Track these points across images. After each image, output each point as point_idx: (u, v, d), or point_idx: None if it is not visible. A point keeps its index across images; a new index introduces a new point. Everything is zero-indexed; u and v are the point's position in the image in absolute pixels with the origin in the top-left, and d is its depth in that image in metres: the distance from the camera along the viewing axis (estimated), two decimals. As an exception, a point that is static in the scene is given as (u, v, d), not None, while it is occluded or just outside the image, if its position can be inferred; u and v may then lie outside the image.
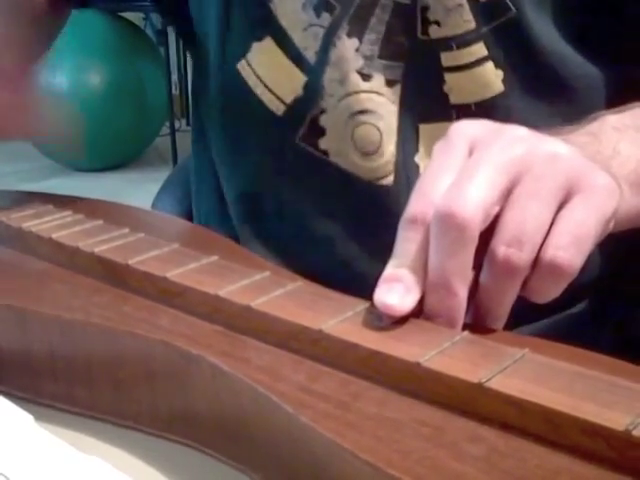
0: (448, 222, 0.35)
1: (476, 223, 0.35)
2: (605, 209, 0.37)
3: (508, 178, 0.37)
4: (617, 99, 0.53)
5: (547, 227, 0.36)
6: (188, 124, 3.98)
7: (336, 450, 0.30)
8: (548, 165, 0.37)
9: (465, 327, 0.37)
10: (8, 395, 0.39)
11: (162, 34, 3.41)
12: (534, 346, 0.35)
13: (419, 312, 0.37)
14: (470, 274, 0.37)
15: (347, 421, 0.32)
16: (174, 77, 3.57)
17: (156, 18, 3.73)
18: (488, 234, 0.37)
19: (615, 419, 0.29)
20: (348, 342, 0.35)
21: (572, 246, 0.36)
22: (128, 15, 3.35)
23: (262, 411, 0.34)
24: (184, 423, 0.38)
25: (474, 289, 0.38)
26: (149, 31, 3.73)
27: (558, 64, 0.53)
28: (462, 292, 0.36)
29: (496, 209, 0.36)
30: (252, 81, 0.59)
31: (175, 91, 3.37)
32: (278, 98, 0.58)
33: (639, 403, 0.30)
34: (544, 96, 0.54)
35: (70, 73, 3.04)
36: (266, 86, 0.58)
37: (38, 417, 0.36)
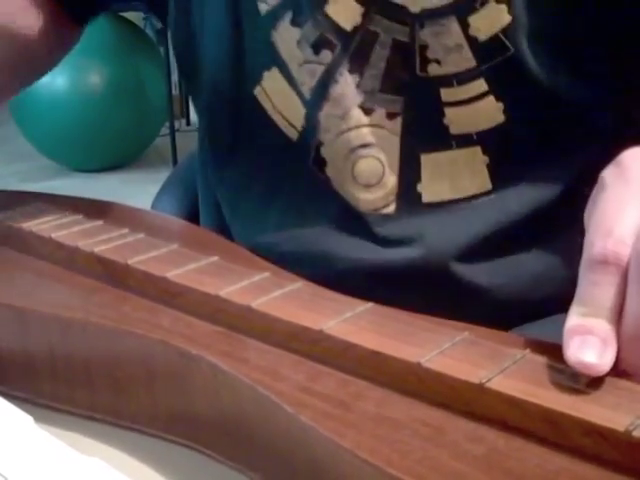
0: None
1: None
2: None
3: None
4: (620, 123, 0.54)
5: None
6: (188, 124, 3.99)
7: (336, 450, 0.30)
8: None
9: (465, 327, 0.37)
10: (8, 396, 0.39)
11: (162, 34, 3.41)
12: (534, 347, 0.35)
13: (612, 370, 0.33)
14: None
15: (347, 421, 0.32)
16: (174, 77, 3.56)
17: (156, 18, 3.73)
18: None
19: (616, 420, 0.29)
20: (348, 342, 0.35)
21: None
22: (128, 15, 3.35)
23: (262, 411, 0.34)
24: (184, 423, 0.38)
25: None
26: (149, 31, 3.73)
27: (559, 94, 0.53)
28: None
29: None
30: (268, 106, 0.59)
31: (175, 91, 3.37)
32: (291, 125, 0.58)
33: (639, 404, 0.30)
34: (547, 124, 0.54)
35: (70, 73, 3.04)
36: (280, 113, 0.59)
37: (37, 418, 0.36)
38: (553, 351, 0.35)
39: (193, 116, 3.98)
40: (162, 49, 3.32)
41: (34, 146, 3.27)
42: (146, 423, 0.40)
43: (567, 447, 0.29)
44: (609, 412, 0.30)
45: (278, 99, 0.58)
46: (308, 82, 0.56)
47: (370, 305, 0.39)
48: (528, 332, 0.53)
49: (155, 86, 3.25)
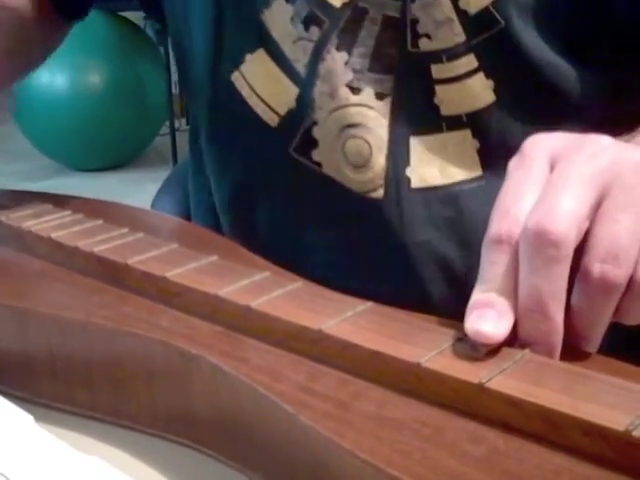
0: (541, 240, 0.33)
1: (571, 239, 0.34)
2: None
3: (597, 191, 0.35)
4: (611, 104, 0.53)
5: None
6: (188, 124, 3.98)
7: (336, 450, 0.30)
8: (637, 174, 0.35)
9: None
10: (8, 395, 0.39)
11: (162, 34, 3.40)
12: (534, 346, 0.35)
13: (513, 340, 0.35)
14: (565, 295, 0.34)
15: (347, 421, 0.31)
16: (174, 77, 3.56)
17: (154, 18, 3.73)
18: (577, 252, 0.34)
19: (615, 419, 0.29)
20: (348, 342, 0.35)
21: None
22: (128, 15, 3.35)
23: (262, 411, 0.34)
24: (184, 423, 0.38)
25: (565, 312, 0.35)
26: (149, 31, 3.73)
27: (549, 72, 0.53)
28: (559, 316, 0.34)
29: (587, 224, 0.35)
30: (246, 92, 0.59)
31: (175, 91, 3.36)
32: (272, 110, 0.58)
33: (639, 404, 0.30)
34: (537, 104, 0.54)
35: (70, 73, 3.04)
36: (260, 97, 0.58)
37: (38, 417, 0.36)
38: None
39: (193, 116, 3.97)
40: (162, 49, 3.32)
41: (34, 145, 3.27)
42: (146, 423, 0.40)
43: (567, 447, 0.29)
44: (609, 412, 0.30)
45: (260, 83, 0.58)
46: (302, 58, 0.56)
47: (370, 304, 0.39)
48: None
49: (155, 86, 3.25)
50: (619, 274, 0.34)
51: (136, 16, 3.41)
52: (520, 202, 0.35)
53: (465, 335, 0.35)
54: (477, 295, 0.35)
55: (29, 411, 0.36)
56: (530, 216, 0.34)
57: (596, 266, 0.34)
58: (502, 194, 0.37)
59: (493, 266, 0.35)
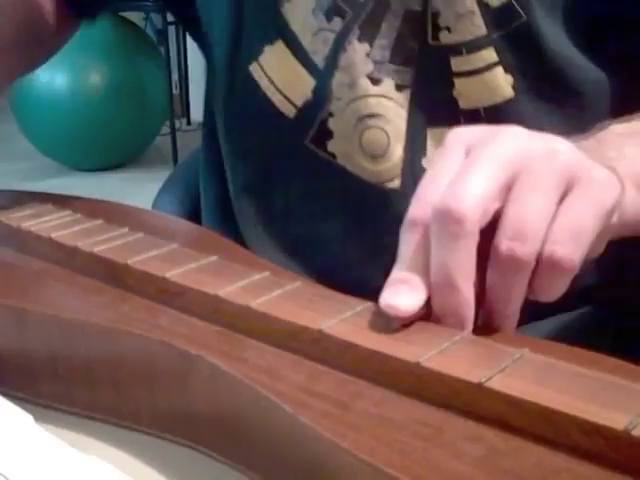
0: (446, 218, 0.35)
1: (474, 216, 0.35)
2: (604, 202, 0.37)
3: (506, 174, 0.36)
4: (628, 104, 0.53)
5: (549, 220, 0.36)
6: (188, 124, 3.98)
7: (335, 450, 0.30)
8: (545, 160, 0.37)
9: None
10: (8, 395, 0.39)
11: (162, 34, 3.41)
12: (533, 346, 0.35)
13: (429, 316, 0.37)
14: (473, 269, 0.36)
15: (346, 421, 0.31)
16: (174, 77, 3.56)
17: (156, 18, 3.73)
18: (492, 234, 0.36)
19: (615, 419, 0.29)
20: (348, 342, 0.35)
21: (570, 241, 0.36)
22: (128, 15, 3.35)
23: (261, 411, 0.34)
24: (183, 423, 0.38)
25: (483, 292, 0.37)
26: (149, 31, 3.73)
27: (568, 70, 0.53)
28: (466, 288, 0.36)
29: (496, 205, 0.36)
30: (264, 83, 0.59)
31: (175, 91, 3.37)
32: (289, 101, 0.58)
33: (638, 403, 0.30)
34: (554, 101, 0.54)
35: (70, 73, 3.04)
36: (277, 89, 0.59)
37: (38, 417, 0.36)
38: (553, 350, 0.35)
39: (193, 115, 3.98)
40: (162, 49, 3.32)
41: (34, 145, 3.27)
42: (146, 423, 0.40)
43: (566, 446, 0.29)
44: (608, 411, 0.30)
45: (279, 74, 0.58)
46: (322, 50, 0.56)
47: (370, 304, 0.39)
48: (527, 332, 0.53)
49: (155, 86, 3.25)
50: (526, 251, 0.35)
51: (136, 16, 3.42)
52: (435, 187, 0.37)
53: (381, 309, 0.37)
54: (393, 273, 0.37)
55: (29, 411, 0.36)
56: (438, 197, 0.36)
57: (504, 243, 0.35)
58: (422, 181, 0.39)
59: (407, 246, 0.37)
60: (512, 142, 0.38)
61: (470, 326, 0.37)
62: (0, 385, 0.43)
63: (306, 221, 0.61)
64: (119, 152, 3.31)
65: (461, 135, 0.39)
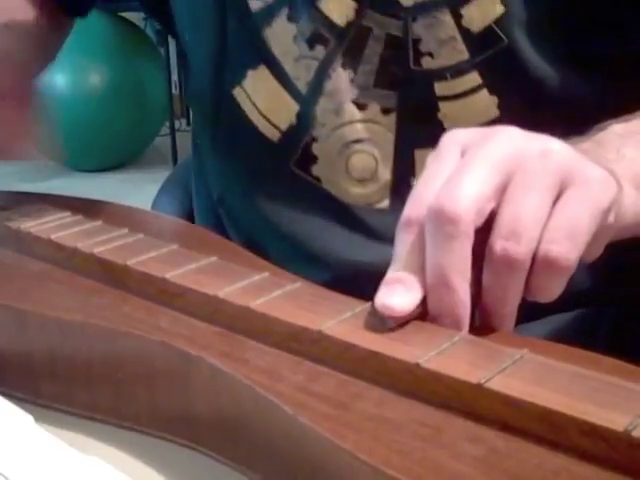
0: (440, 217, 0.35)
1: (469, 215, 0.35)
2: (599, 201, 0.37)
3: (501, 174, 0.36)
4: (614, 117, 0.53)
5: (544, 220, 0.36)
6: (188, 124, 3.98)
7: (335, 451, 0.30)
8: (540, 160, 0.37)
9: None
10: (8, 395, 0.39)
11: (162, 34, 3.40)
12: (533, 346, 0.35)
13: (425, 316, 0.37)
14: (468, 270, 0.36)
15: (346, 422, 0.32)
16: (174, 77, 3.56)
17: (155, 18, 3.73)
18: (488, 235, 0.36)
19: (614, 420, 0.29)
20: (347, 343, 0.35)
21: (566, 240, 0.36)
22: (128, 15, 3.35)
23: (261, 412, 0.34)
24: (183, 423, 0.38)
25: (479, 292, 0.37)
26: (149, 31, 3.73)
27: (552, 88, 0.53)
28: (462, 288, 0.36)
29: (491, 205, 0.36)
30: (247, 107, 0.59)
31: (175, 91, 3.37)
32: (273, 125, 0.58)
33: (638, 404, 0.30)
34: (540, 118, 0.54)
35: (70, 73, 3.04)
36: (261, 113, 0.59)
37: (38, 417, 0.36)
38: (552, 351, 0.35)
39: (193, 116, 3.97)
40: (162, 49, 3.32)
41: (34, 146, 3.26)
42: (146, 423, 0.40)
43: (566, 447, 0.29)
44: (608, 412, 0.30)
45: (262, 99, 0.58)
46: (304, 76, 0.56)
47: (369, 305, 0.39)
48: (527, 332, 0.53)
49: (155, 86, 3.25)
50: (520, 250, 0.35)
51: (136, 16, 3.41)
52: (429, 188, 0.37)
53: (376, 309, 0.37)
54: (388, 274, 0.37)
55: (29, 411, 0.36)
56: (433, 198, 0.36)
57: (498, 243, 0.35)
58: (417, 183, 0.39)
59: (403, 246, 0.37)
60: (507, 142, 0.38)
61: (466, 326, 0.37)
62: (0, 385, 0.43)
63: (293, 241, 0.60)
64: (119, 153, 3.31)
65: (456, 136, 0.39)
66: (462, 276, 0.36)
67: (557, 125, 0.54)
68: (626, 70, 0.54)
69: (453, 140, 0.39)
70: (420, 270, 0.37)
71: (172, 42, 3.71)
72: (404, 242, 0.37)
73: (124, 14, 3.30)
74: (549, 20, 0.52)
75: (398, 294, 0.36)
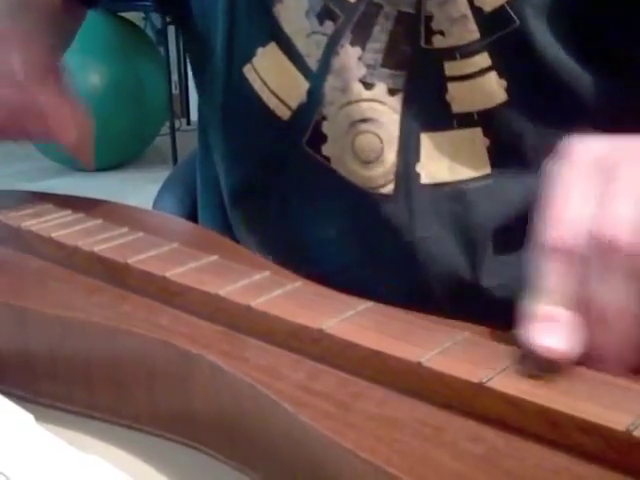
0: (614, 250, 0.32)
1: None
2: None
3: None
4: (623, 105, 0.53)
5: None
6: (188, 124, 3.99)
7: (336, 450, 0.30)
8: None
9: (465, 327, 0.37)
10: (8, 395, 0.39)
11: (162, 34, 3.41)
12: (534, 346, 0.35)
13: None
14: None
15: (347, 421, 0.31)
16: (174, 77, 3.56)
17: (156, 18, 3.73)
18: None
19: (616, 419, 0.29)
20: (348, 342, 0.35)
21: None
22: (128, 15, 3.35)
23: (262, 410, 0.34)
24: (184, 422, 0.38)
25: None
26: (149, 31, 3.73)
27: (562, 73, 0.53)
28: (636, 330, 0.33)
29: None
30: (258, 85, 0.59)
31: (175, 91, 3.37)
32: (284, 103, 0.58)
33: (639, 404, 0.30)
34: (548, 105, 0.54)
35: (70, 73, 3.04)
36: (272, 91, 0.58)
37: (38, 416, 0.36)
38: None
39: (193, 115, 3.98)
40: (162, 49, 3.32)
41: (34, 146, 3.27)
42: (146, 422, 0.40)
43: (567, 447, 0.29)
44: (609, 412, 0.30)
45: (272, 76, 0.58)
46: (315, 53, 0.56)
47: (370, 304, 0.39)
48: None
49: (155, 86, 3.25)
50: None
51: (136, 16, 3.42)
52: (570, 204, 0.35)
53: (522, 349, 0.34)
54: (540, 307, 0.34)
55: (29, 410, 0.36)
56: (595, 223, 0.33)
57: None
58: (553, 200, 0.35)
59: (554, 276, 0.34)
60: None
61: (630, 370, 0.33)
62: (0, 384, 0.43)
63: (301, 225, 0.60)
64: (119, 152, 3.31)
65: (589, 150, 0.37)
66: (637, 316, 0.32)
67: (564, 113, 0.54)
68: (636, 60, 0.54)
69: (587, 153, 0.36)
70: (575, 304, 0.33)
71: (172, 42, 3.70)
72: (554, 271, 0.34)
73: (124, 14, 3.30)
74: (563, 4, 0.52)
75: (561, 336, 0.33)
